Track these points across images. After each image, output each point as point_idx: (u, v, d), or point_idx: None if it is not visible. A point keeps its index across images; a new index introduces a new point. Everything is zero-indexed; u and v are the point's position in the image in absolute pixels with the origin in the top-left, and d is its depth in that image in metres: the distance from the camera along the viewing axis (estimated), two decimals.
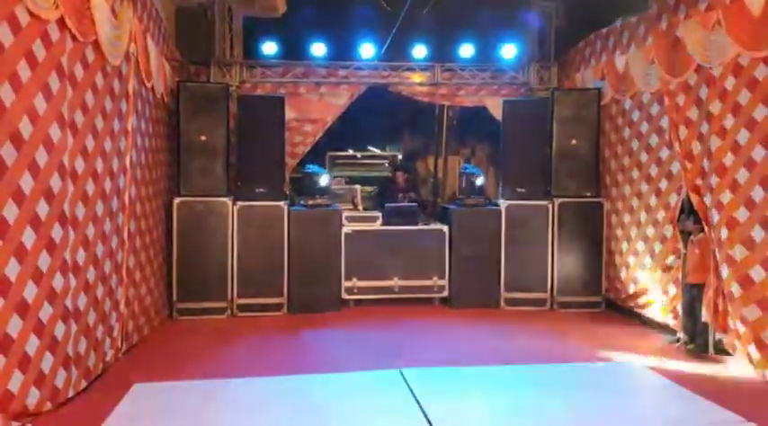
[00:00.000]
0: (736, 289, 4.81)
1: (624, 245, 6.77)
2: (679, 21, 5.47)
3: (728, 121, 4.88)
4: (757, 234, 4.66)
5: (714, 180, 5.03)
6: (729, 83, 4.86)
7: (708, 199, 5.15)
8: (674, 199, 5.80)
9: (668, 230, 5.89)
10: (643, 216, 6.41)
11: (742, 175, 4.76)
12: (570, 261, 7.15)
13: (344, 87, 8.24)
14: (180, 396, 4.29)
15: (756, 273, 4.65)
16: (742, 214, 4.78)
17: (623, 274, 6.77)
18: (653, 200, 6.24)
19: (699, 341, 5.29)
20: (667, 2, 5.69)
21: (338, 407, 4.11)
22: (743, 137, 4.75)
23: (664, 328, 6.01)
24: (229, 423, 3.88)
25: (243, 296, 6.83)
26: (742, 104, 4.74)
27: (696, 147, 5.29)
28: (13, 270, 3.44)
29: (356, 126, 9.52)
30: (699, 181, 5.25)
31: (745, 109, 4.71)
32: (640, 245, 6.42)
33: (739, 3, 4.64)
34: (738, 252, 4.79)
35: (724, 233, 4.92)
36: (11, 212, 3.42)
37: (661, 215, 6.05)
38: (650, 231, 6.25)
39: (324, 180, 7.36)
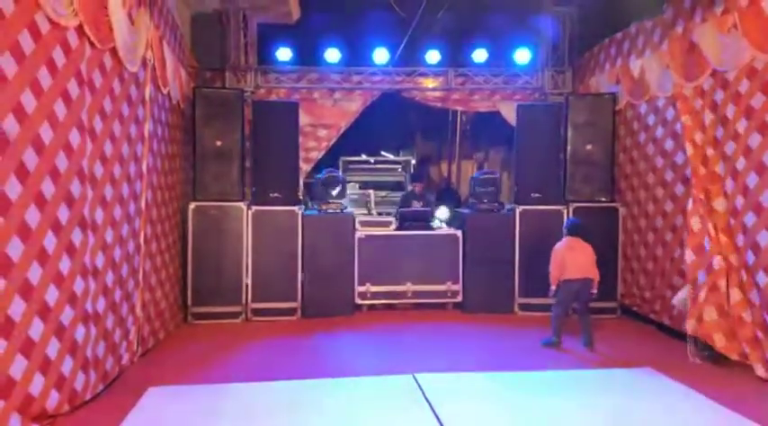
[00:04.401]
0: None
1: (642, 250, 6.72)
2: (694, 25, 5.44)
3: (741, 125, 4.84)
4: (763, 238, 4.63)
5: (729, 184, 4.99)
6: (743, 86, 4.83)
7: (722, 204, 5.10)
8: (689, 204, 5.75)
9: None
10: (659, 221, 6.37)
11: (752, 180, 4.73)
12: None
13: (358, 93, 8.29)
14: (194, 400, 4.32)
15: (761, 278, 4.64)
16: (749, 219, 4.74)
17: (641, 280, 6.71)
18: (669, 205, 6.20)
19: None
20: (683, 5, 5.67)
21: (352, 412, 4.11)
22: (754, 141, 4.71)
23: (682, 334, 5.94)
24: None
25: (257, 300, 6.86)
26: (755, 108, 4.71)
27: (709, 152, 5.25)
28: (35, 274, 3.48)
29: (370, 131, 9.55)
30: (711, 186, 5.21)
31: (759, 112, 4.68)
32: (659, 251, 6.38)
33: (756, 6, 4.62)
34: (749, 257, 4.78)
35: (740, 238, 4.88)
36: (33, 217, 3.46)
37: (678, 220, 6.01)
38: (669, 236, 6.20)
39: (338, 185, 7.36)
